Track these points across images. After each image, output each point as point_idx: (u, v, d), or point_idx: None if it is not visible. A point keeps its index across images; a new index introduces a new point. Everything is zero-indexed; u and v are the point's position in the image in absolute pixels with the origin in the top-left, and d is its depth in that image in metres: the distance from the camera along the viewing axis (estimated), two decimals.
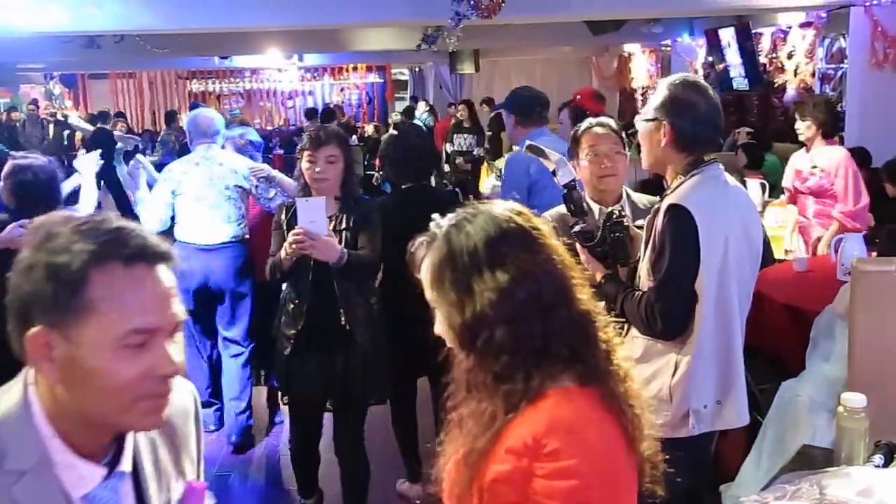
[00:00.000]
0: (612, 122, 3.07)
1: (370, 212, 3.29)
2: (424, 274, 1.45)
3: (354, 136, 12.81)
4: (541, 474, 1.26)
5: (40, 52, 10.16)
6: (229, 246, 4.48)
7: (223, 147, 4.65)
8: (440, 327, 1.43)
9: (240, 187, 4.48)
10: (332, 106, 14.99)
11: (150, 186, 4.71)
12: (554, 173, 2.60)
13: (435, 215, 1.49)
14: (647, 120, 2.46)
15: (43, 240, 1.12)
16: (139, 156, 4.71)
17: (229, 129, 4.92)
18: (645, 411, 1.40)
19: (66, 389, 1.12)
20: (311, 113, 14.01)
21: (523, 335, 1.35)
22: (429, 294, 1.45)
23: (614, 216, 2.55)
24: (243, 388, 4.60)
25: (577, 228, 2.58)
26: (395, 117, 13.66)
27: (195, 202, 4.42)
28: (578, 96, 6.00)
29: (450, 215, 1.47)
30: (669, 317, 2.33)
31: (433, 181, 6.13)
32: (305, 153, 3.27)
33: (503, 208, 1.46)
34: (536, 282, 1.38)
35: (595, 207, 2.90)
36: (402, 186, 3.82)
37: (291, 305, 3.28)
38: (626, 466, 1.33)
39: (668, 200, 2.35)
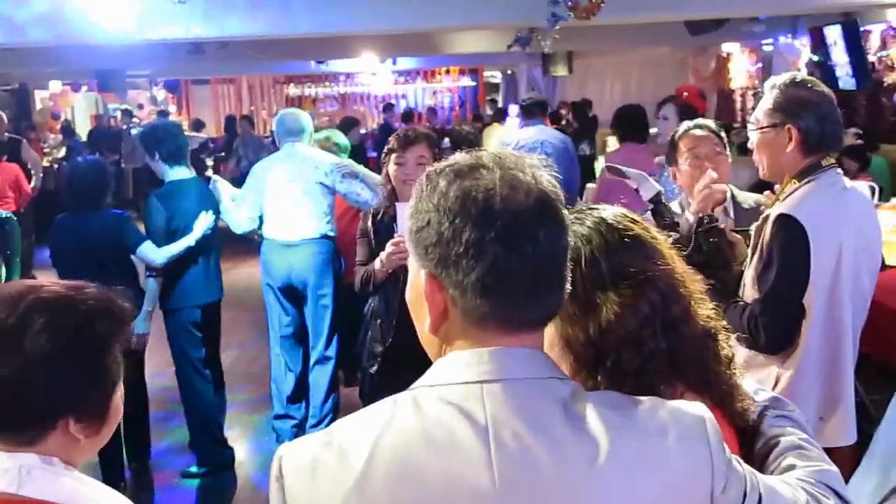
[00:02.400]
0: (712, 123, 3.00)
1: None
2: None
3: (447, 139, 12.90)
4: None
5: (148, 60, 10.57)
6: (312, 242, 4.54)
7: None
8: (548, 342, 1.34)
9: (323, 184, 4.53)
10: (413, 111, 15.12)
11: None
12: (636, 191, 2.56)
13: None
14: (766, 127, 2.35)
15: None
16: (214, 177, 4.88)
17: (315, 133, 5.02)
18: None
19: None
20: (388, 107, 14.24)
21: (648, 356, 1.24)
22: None
23: (706, 222, 2.49)
24: (325, 401, 4.65)
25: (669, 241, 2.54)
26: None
27: (277, 198, 4.53)
28: (685, 93, 5.78)
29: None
30: (774, 331, 2.26)
31: None
32: (393, 155, 3.13)
33: (616, 213, 1.34)
34: (661, 295, 1.27)
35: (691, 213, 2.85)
36: None
37: (379, 321, 3.11)
38: None
39: (778, 209, 2.27)
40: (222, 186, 4.71)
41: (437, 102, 19.03)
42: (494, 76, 19.09)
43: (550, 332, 1.29)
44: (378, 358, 3.11)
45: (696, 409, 1.09)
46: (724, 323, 1.38)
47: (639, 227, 1.34)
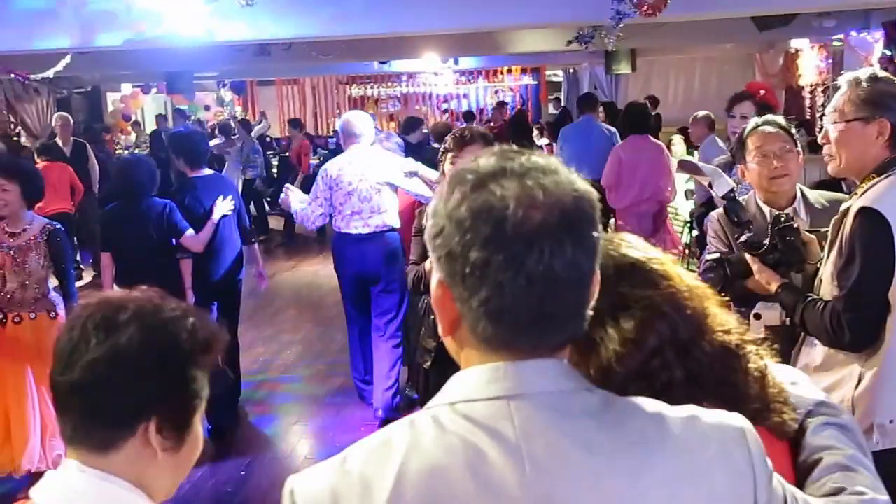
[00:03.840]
0: (782, 120, 2.94)
1: None
2: None
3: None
4: None
5: (215, 61, 10.78)
6: (379, 234, 5.05)
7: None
8: None
9: (387, 182, 5.03)
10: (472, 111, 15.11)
11: None
12: (710, 186, 2.52)
13: None
14: (853, 120, 2.29)
15: None
16: (287, 187, 5.44)
17: (376, 133, 5.66)
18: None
19: None
20: (469, 115, 14.24)
21: (662, 388, 1.15)
22: None
23: (783, 220, 2.44)
24: (391, 368, 5.13)
25: (743, 238, 2.48)
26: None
27: (348, 196, 5.02)
28: (762, 91, 5.66)
29: None
30: (858, 328, 2.19)
31: None
32: (449, 155, 3.18)
33: (609, 240, 1.23)
34: (667, 322, 1.17)
35: (766, 210, 2.80)
36: None
37: (433, 317, 3.11)
38: None
39: (859, 202, 2.22)
40: (292, 195, 5.25)
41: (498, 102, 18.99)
42: (556, 75, 18.96)
43: None
44: (431, 353, 3.17)
45: (736, 420, 1.04)
46: (750, 334, 1.28)
47: (636, 251, 1.24)
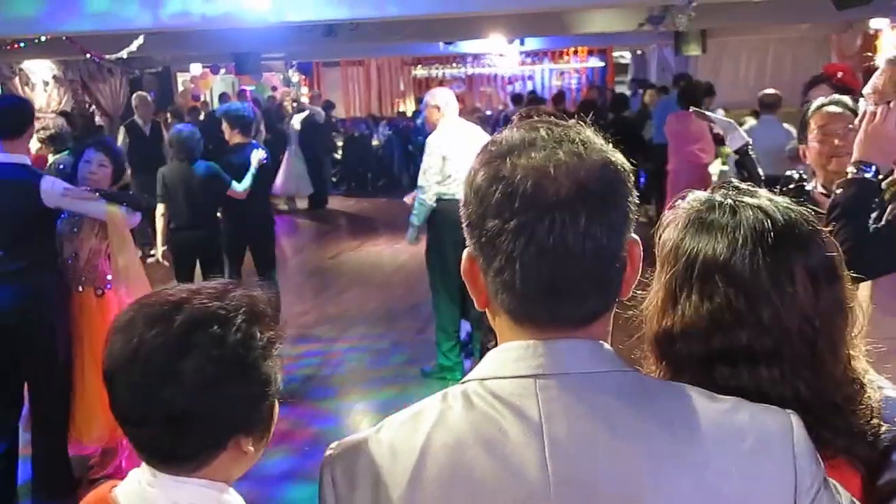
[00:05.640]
0: (849, 100, 2.83)
1: None
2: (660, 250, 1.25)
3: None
4: None
5: (283, 42, 10.87)
6: None
7: None
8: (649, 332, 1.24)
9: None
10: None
11: None
12: (718, 136, 2.44)
13: (697, 192, 1.28)
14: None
15: None
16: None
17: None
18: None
19: None
20: (517, 99, 14.08)
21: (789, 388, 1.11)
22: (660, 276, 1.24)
23: (795, 179, 2.34)
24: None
25: None
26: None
27: (460, 162, 5.38)
28: (840, 73, 5.48)
29: (709, 197, 1.24)
30: None
31: None
32: None
33: (779, 204, 1.19)
34: (811, 325, 1.13)
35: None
36: None
37: None
38: None
39: None
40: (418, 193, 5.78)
41: (564, 84, 18.80)
42: (623, 56, 18.69)
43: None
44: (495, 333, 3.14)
45: (783, 416, 0.99)
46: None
47: (809, 223, 1.20)
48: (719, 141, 7.05)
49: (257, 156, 6.06)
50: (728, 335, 1.14)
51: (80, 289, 4.27)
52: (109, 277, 4.33)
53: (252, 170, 6.00)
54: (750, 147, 2.50)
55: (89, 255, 4.28)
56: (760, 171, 2.46)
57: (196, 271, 5.91)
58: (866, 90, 2.28)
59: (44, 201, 3.98)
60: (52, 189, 4.00)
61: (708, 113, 2.57)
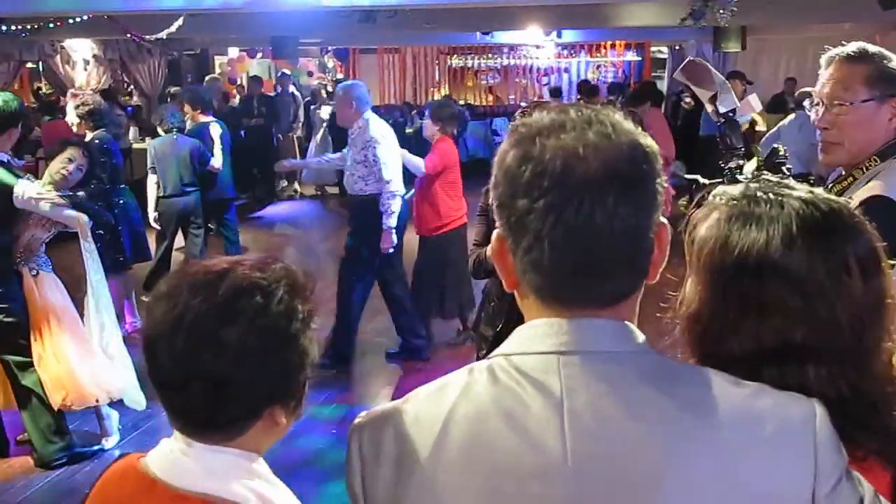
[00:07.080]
0: None
1: None
2: (697, 247, 1.19)
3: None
4: None
5: (321, 27, 10.91)
6: None
7: None
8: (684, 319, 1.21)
9: None
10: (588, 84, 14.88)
11: None
12: (713, 101, 2.40)
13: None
14: (863, 101, 2.05)
15: None
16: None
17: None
18: None
19: None
20: (555, 92, 14.03)
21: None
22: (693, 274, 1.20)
23: (780, 153, 2.29)
24: None
25: (731, 164, 2.37)
26: None
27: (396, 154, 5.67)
28: None
29: (743, 190, 1.19)
30: None
31: None
32: None
33: (818, 194, 1.16)
34: (860, 318, 1.11)
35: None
36: None
37: (492, 303, 3.09)
38: None
39: (865, 192, 1.98)
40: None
41: (600, 77, 18.65)
42: (661, 51, 18.51)
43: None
44: (489, 341, 3.06)
45: (806, 403, 0.99)
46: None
47: (848, 213, 1.17)
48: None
49: (216, 131, 7.17)
50: (782, 333, 1.12)
51: (16, 269, 4.42)
52: (44, 260, 4.48)
53: (220, 145, 7.09)
54: (735, 113, 2.46)
55: (30, 240, 4.40)
56: (739, 142, 2.41)
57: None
58: (823, 91, 2.13)
59: (14, 203, 4.15)
60: (23, 195, 4.15)
61: (712, 69, 2.52)
